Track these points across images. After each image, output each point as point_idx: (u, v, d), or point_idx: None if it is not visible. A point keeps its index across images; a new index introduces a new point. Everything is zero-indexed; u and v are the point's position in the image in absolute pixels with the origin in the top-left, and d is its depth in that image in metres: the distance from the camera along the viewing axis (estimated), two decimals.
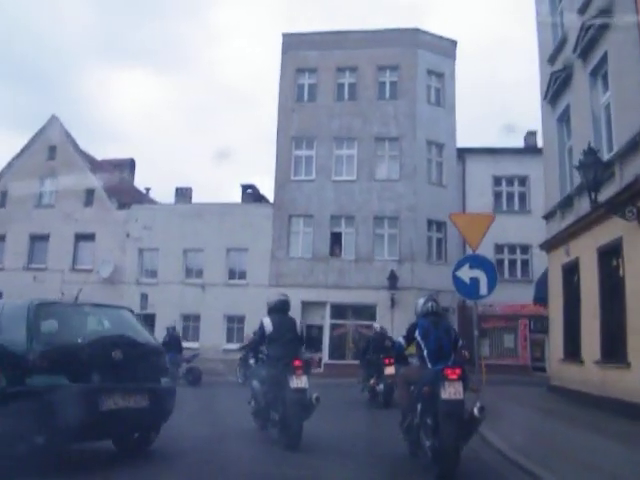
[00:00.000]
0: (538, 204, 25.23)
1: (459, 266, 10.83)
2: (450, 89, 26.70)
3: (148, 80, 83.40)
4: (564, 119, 14.10)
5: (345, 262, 24.89)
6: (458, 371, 5.66)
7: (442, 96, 26.54)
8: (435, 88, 26.61)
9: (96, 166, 30.30)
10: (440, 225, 25.16)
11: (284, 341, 7.28)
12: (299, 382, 6.81)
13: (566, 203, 13.57)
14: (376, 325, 15.33)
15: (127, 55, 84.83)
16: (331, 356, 24.32)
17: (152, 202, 32.10)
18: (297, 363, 6.91)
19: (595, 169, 9.47)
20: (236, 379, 17.97)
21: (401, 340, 6.77)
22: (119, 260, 27.30)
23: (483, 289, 10.57)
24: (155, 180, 75.60)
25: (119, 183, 31.43)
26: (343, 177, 25.63)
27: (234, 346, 24.40)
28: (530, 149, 26.99)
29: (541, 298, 15.93)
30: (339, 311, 24.83)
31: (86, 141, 72.75)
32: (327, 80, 26.60)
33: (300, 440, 6.75)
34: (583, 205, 12.10)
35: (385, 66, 26.45)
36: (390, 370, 11.44)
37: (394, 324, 20.23)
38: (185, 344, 25.86)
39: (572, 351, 12.92)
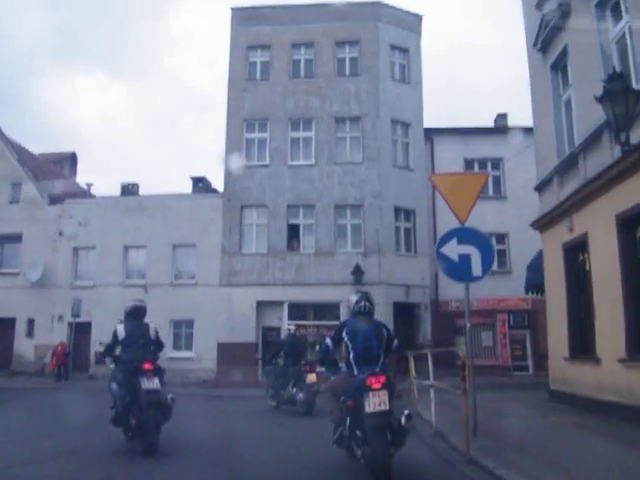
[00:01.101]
0: (514, 188, 23.27)
1: (444, 241, 8.37)
2: (416, 65, 24.47)
3: (99, 79, 79.62)
4: (559, 66, 11.77)
5: (304, 256, 22.32)
6: (382, 379, 5.39)
7: (407, 72, 24.30)
8: (399, 64, 24.40)
9: (27, 158, 27.14)
10: (408, 213, 22.90)
11: (137, 346, 7.25)
12: (150, 383, 6.77)
13: (567, 166, 11.11)
14: (290, 327, 13.92)
15: (79, 57, 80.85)
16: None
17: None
18: (146, 365, 6.90)
19: (626, 98, 6.99)
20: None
21: (328, 342, 6.16)
22: (50, 261, 24.26)
23: (476, 269, 8.15)
24: (107, 180, 71.34)
25: (55, 178, 28.29)
26: (300, 162, 23.06)
27: (183, 354, 22.33)
28: (503, 129, 24.82)
29: (535, 285, 13.44)
30: (298, 311, 22.03)
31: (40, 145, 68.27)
32: (281, 57, 24.16)
33: (157, 446, 6.53)
34: (593, 163, 9.72)
35: (344, 41, 24.16)
36: (312, 377, 11.12)
37: None
38: None
39: (582, 347, 10.42)
